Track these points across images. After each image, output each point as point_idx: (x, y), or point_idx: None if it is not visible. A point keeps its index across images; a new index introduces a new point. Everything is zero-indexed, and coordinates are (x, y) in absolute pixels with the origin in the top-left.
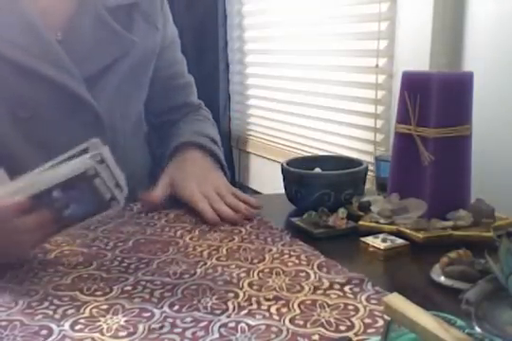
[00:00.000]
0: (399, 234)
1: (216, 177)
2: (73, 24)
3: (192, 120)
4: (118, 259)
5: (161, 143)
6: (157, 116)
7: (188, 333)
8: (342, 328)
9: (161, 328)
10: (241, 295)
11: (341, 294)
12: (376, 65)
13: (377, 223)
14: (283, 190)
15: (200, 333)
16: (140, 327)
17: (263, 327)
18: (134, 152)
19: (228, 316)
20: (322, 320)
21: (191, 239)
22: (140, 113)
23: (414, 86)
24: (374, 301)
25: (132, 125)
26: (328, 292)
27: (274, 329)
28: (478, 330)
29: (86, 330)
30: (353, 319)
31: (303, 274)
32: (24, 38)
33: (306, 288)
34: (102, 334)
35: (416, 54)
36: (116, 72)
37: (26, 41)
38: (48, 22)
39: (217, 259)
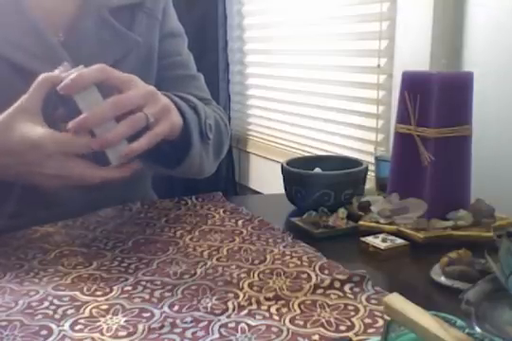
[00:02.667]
0: (399, 234)
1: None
2: (75, 24)
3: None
4: (118, 259)
5: None
6: None
7: (188, 333)
8: (342, 328)
9: (161, 328)
10: (241, 295)
11: (341, 294)
12: (378, 65)
13: (377, 223)
14: (283, 190)
15: (200, 333)
16: (140, 327)
17: (263, 327)
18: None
19: (229, 317)
20: (322, 320)
21: (191, 239)
22: None
23: (414, 86)
24: (374, 301)
25: None
26: (328, 292)
27: (274, 329)
28: (478, 330)
29: (86, 330)
30: (353, 319)
31: (305, 275)
32: (26, 39)
33: (306, 288)
34: (102, 334)
35: (416, 54)
36: None
37: (28, 42)
38: (51, 23)
39: (217, 259)
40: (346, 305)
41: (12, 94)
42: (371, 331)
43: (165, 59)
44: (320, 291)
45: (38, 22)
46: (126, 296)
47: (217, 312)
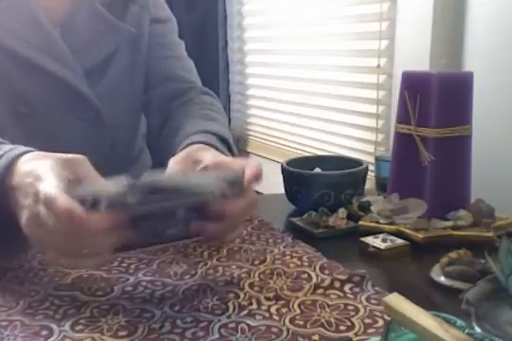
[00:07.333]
0: (399, 234)
1: None
2: (70, 19)
3: (197, 115)
4: (119, 259)
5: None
6: (155, 88)
7: (188, 334)
8: (342, 328)
9: (161, 328)
10: (241, 295)
11: (341, 294)
12: (378, 65)
13: (377, 223)
14: (283, 190)
15: (200, 334)
16: (140, 327)
17: (263, 327)
18: (133, 150)
19: (229, 317)
20: (322, 320)
21: None
22: (140, 111)
23: (414, 86)
24: (374, 301)
25: (132, 123)
26: (328, 292)
27: (274, 329)
28: (478, 330)
29: (87, 330)
30: (353, 319)
31: (305, 275)
32: (28, 31)
33: (306, 288)
34: (103, 334)
35: (416, 54)
36: (114, 65)
37: (30, 34)
38: (49, 17)
39: (218, 259)
40: (346, 305)
41: (11, 86)
42: (371, 331)
43: (150, 40)
44: (320, 291)
45: (40, 15)
46: (127, 296)
47: (217, 312)
